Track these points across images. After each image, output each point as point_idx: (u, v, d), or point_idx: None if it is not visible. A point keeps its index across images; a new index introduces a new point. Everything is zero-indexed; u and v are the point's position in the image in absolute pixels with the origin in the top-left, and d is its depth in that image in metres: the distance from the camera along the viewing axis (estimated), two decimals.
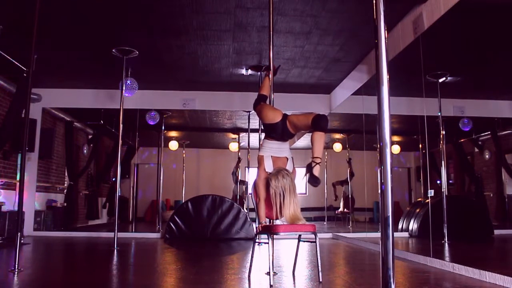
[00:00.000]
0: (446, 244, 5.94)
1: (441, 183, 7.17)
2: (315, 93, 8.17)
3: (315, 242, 3.46)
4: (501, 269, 3.58)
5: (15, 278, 3.42)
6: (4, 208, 6.77)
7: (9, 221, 6.61)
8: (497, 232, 7.28)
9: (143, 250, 5.95)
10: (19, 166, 7.50)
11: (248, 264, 3.74)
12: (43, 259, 5.15)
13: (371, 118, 7.18)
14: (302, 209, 12.20)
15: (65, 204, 9.07)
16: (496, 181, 8.41)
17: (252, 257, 3.13)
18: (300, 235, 3.41)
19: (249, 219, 7.33)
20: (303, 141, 11.59)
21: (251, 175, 10.70)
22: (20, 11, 4.81)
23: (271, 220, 3.68)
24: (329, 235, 8.29)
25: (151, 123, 8.64)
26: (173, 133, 11.22)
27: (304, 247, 5.81)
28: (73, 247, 6.31)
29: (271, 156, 3.69)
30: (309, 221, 13.18)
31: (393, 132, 6.65)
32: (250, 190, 3.85)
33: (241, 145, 11.43)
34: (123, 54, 6.02)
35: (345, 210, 10.70)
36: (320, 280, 3.32)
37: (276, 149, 3.71)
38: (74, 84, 7.80)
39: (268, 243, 3.43)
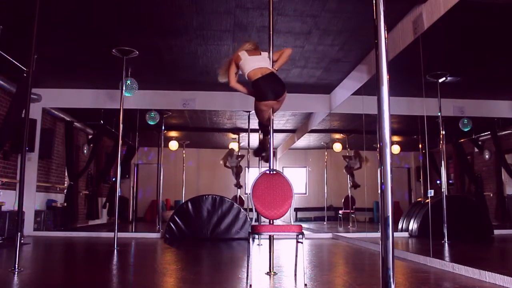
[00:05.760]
0: (446, 244, 5.94)
1: (441, 183, 7.16)
2: (315, 93, 8.18)
3: (302, 243, 3.38)
4: (501, 269, 3.58)
5: (15, 278, 3.42)
6: (4, 208, 6.77)
7: (9, 221, 6.61)
8: (497, 232, 7.28)
9: (143, 250, 5.95)
10: (19, 166, 7.50)
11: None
12: (43, 259, 5.15)
13: (371, 118, 7.18)
14: (302, 209, 12.21)
15: (65, 204, 9.07)
16: (496, 181, 8.40)
17: (248, 256, 3.11)
18: (297, 235, 3.39)
19: (249, 219, 7.33)
20: (303, 141, 11.60)
21: (251, 175, 10.72)
22: (20, 11, 4.82)
23: (271, 220, 3.68)
24: (329, 235, 8.29)
25: (151, 123, 8.64)
26: (173, 133, 11.23)
27: (305, 247, 5.81)
28: (73, 247, 6.31)
29: None
30: (309, 221, 13.16)
31: (393, 132, 6.67)
32: (249, 190, 3.83)
33: (241, 145, 11.44)
34: (123, 54, 6.02)
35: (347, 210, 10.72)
36: (305, 283, 3.26)
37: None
38: (74, 84, 7.80)
39: (260, 244, 3.40)
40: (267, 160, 4.26)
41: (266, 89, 3.88)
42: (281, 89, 3.91)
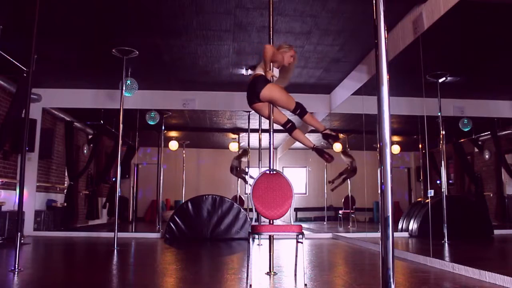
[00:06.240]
0: (446, 244, 5.93)
1: (441, 183, 7.16)
2: (315, 93, 8.17)
3: (302, 243, 3.38)
4: (501, 269, 3.58)
5: (15, 278, 3.42)
6: (4, 208, 6.77)
7: (9, 221, 6.61)
8: (497, 232, 7.28)
9: (143, 250, 5.95)
10: (19, 166, 7.50)
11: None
12: (43, 259, 5.15)
13: (371, 118, 7.18)
14: (302, 209, 12.13)
15: (65, 204, 9.07)
16: (496, 181, 8.40)
17: (248, 256, 3.11)
18: (297, 235, 3.39)
19: (249, 219, 7.33)
20: None
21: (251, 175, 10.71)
22: (20, 11, 4.82)
23: (271, 220, 3.68)
24: (329, 235, 8.30)
25: (151, 123, 8.65)
26: (173, 133, 11.23)
27: (305, 247, 5.81)
28: (73, 247, 6.31)
29: None
30: (309, 221, 13.13)
31: (393, 132, 6.66)
32: (249, 190, 3.83)
33: (241, 145, 11.44)
34: (123, 54, 6.02)
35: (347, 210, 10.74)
36: (305, 283, 3.27)
37: None
38: (74, 84, 7.80)
39: (260, 244, 3.40)
40: (325, 157, 4.08)
41: (247, 95, 4.08)
42: (257, 89, 3.93)
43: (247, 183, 11.21)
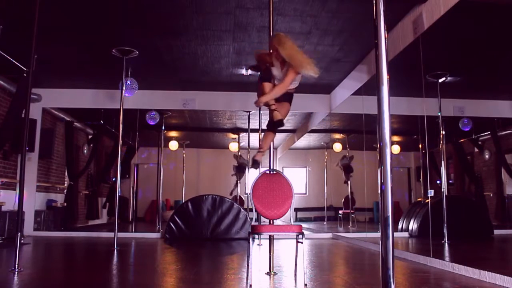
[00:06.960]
0: (446, 244, 5.94)
1: (441, 183, 7.16)
2: (315, 93, 8.17)
3: (302, 243, 3.37)
4: (501, 269, 3.58)
5: (15, 278, 3.42)
6: (4, 208, 6.77)
7: (9, 221, 6.61)
8: (497, 232, 7.28)
9: (143, 250, 5.95)
10: (19, 166, 7.50)
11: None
12: (43, 259, 5.15)
13: (371, 118, 7.18)
14: (302, 209, 12.11)
15: (65, 204, 9.07)
16: (496, 181, 8.40)
17: (248, 256, 3.10)
18: (297, 235, 3.39)
19: (249, 219, 7.33)
20: (303, 141, 11.60)
21: (250, 175, 10.72)
22: (20, 11, 4.82)
23: (271, 220, 3.68)
24: (329, 235, 8.29)
25: (151, 123, 8.64)
26: (173, 133, 11.23)
27: (305, 247, 5.80)
28: (73, 247, 6.31)
29: None
30: (309, 221, 13.12)
31: (393, 132, 6.65)
32: (249, 190, 3.83)
33: (241, 145, 11.44)
34: (123, 54, 6.02)
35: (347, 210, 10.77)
36: (305, 283, 3.27)
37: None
38: (74, 84, 7.80)
39: (260, 244, 3.39)
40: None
41: None
42: None
43: (236, 187, 11.32)
